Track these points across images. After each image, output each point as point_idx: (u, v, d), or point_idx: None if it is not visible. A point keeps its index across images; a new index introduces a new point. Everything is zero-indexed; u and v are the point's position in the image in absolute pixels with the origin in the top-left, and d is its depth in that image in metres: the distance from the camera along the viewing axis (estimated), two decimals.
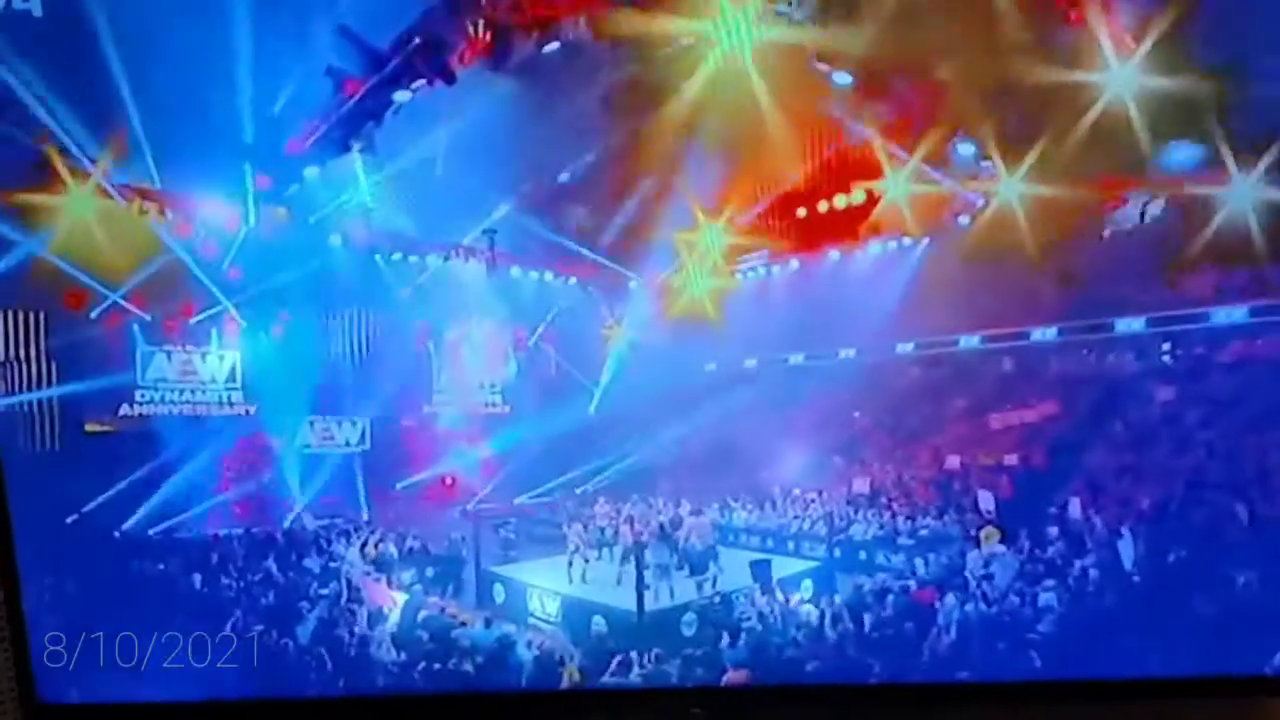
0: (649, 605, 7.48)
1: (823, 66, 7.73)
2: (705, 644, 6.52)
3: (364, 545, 9.21)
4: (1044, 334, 12.21)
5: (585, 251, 11.10)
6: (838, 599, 6.83)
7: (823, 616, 6.55)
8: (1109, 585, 7.13)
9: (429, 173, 9.19)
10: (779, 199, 10.04)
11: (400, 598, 7.49)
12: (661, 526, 8.51)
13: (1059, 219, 8.39)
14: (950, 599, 6.74)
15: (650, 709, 6.14)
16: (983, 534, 8.24)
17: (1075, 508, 8.93)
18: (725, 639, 6.40)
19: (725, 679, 6.04)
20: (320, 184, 9.23)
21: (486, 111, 8.57)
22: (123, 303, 9.14)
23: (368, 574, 8.25)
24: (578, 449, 11.72)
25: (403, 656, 6.66)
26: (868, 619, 6.66)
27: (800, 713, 5.98)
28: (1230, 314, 10.36)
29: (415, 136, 8.64)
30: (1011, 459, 11.28)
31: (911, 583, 7.34)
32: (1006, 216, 8.39)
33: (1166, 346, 10.99)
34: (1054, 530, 8.59)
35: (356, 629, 6.87)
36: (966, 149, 7.88)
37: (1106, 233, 8.78)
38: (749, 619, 6.86)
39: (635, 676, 6.12)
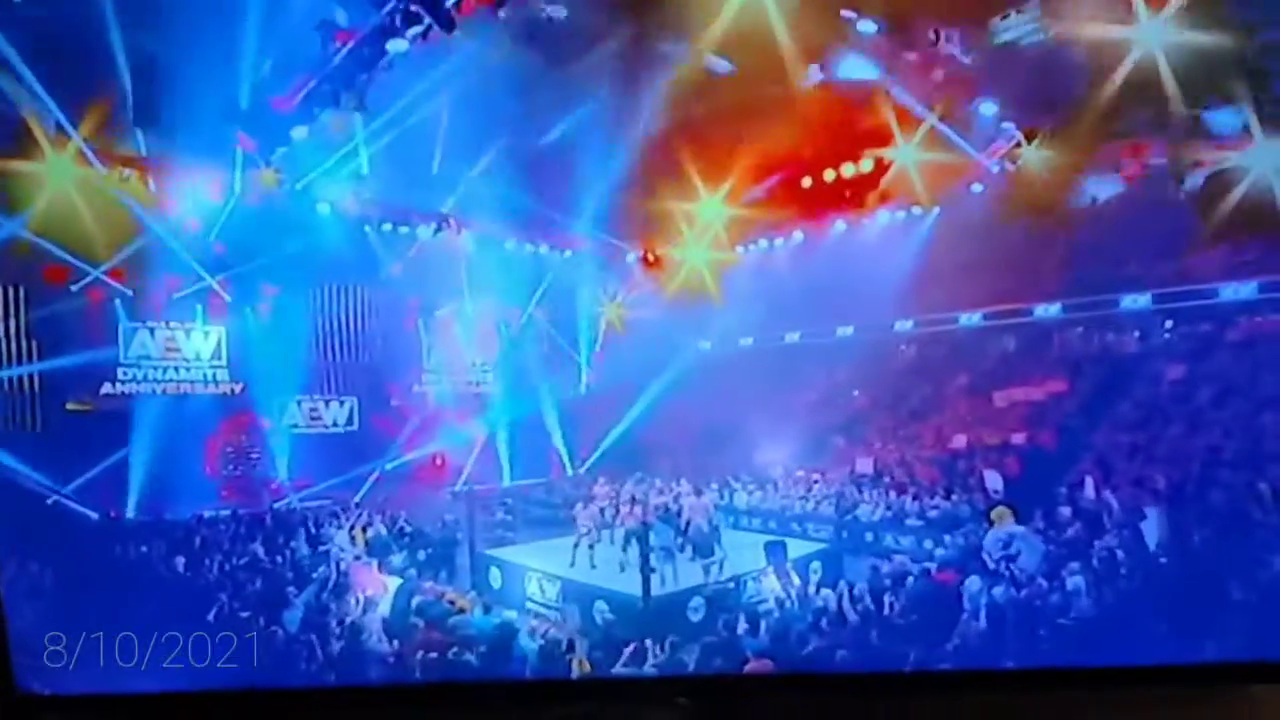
0: (653, 590, 7.18)
1: (849, 13, 7.38)
2: (720, 631, 6.20)
3: (352, 528, 8.93)
4: (1047, 310, 11.99)
5: (581, 223, 10.85)
6: (859, 586, 6.47)
7: (841, 601, 6.22)
8: (1136, 568, 6.80)
9: (421, 136, 8.86)
10: (785, 168, 9.71)
11: (393, 583, 7.15)
12: (665, 507, 8.17)
13: (1076, 186, 8.12)
14: (974, 582, 6.40)
15: (635, 698, 5.86)
16: (994, 514, 7.91)
17: (1089, 487, 8.89)
18: (744, 626, 6.06)
19: (748, 668, 5.73)
20: (309, 147, 8.80)
21: (483, 68, 8.15)
22: (104, 278, 8.94)
23: (358, 558, 7.93)
24: (570, 428, 11.70)
25: (396, 645, 6.34)
26: (889, 603, 6.32)
27: (822, 702, 5.68)
28: (1238, 290, 10.28)
29: (408, 94, 8.28)
30: (1019, 438, 11.20)
31: (931, 565, 6.97)
32: (1025, 183, 8.13)
33: (1170, 324, 10.88)
34: (1066, 510, 8.37)
35: (348, 617, 6.55)
36: (989, 108, 7.52)
37: (1123, 199, 8.42)
38: (764, 603, 6.56)
39: (650, 667, 5.80)
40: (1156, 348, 10.81)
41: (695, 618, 7.09)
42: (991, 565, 7.17)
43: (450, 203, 10.46)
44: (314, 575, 7.23)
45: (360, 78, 7.50)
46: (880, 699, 5.48)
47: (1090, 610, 6.10)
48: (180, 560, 7.68)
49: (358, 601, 6.81)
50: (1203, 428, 9.80)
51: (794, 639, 5.85)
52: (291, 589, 6.87)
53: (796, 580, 6.79)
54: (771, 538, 8.00)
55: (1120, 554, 7.07)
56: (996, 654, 6.00)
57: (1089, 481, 8.88)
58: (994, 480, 9.68)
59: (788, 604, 6.48)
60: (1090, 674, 5.51)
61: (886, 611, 6.19)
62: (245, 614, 6.50)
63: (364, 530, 8.90)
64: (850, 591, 6.34)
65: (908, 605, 6.15)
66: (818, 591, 6.49)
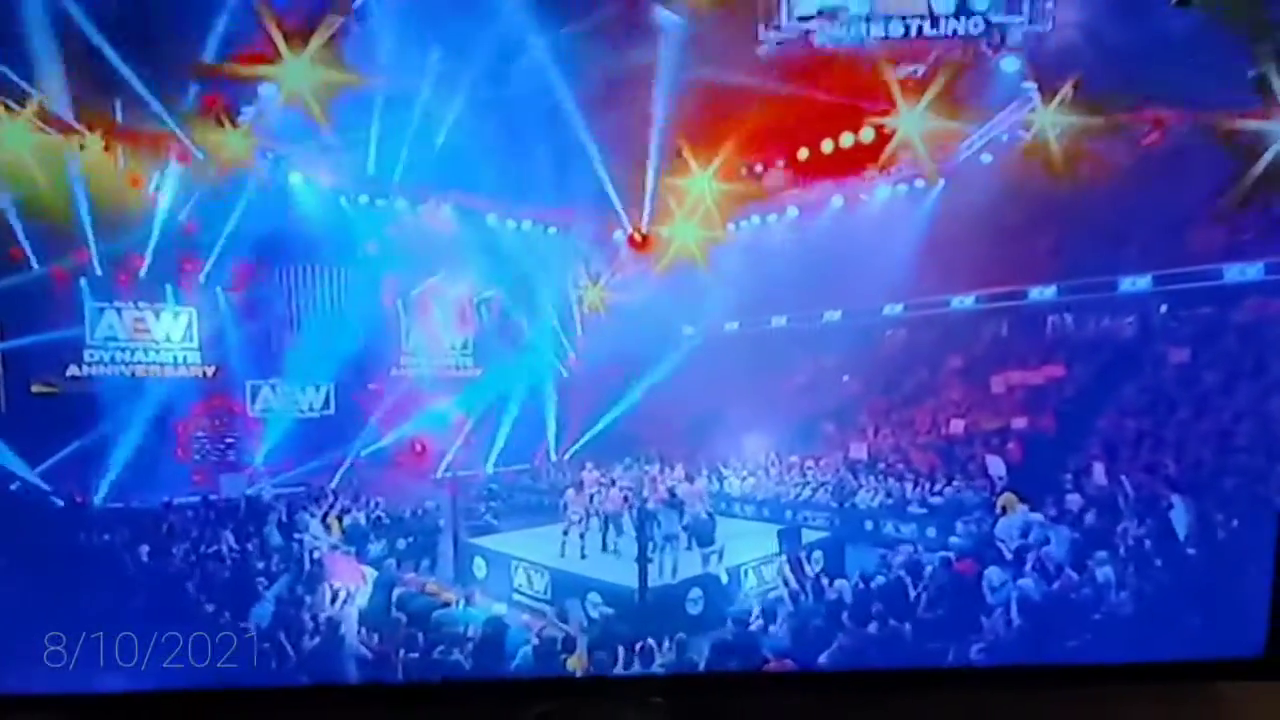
0: (650, 581, 6.79)
1: None
2: (730, 626, 5.83)
3: (327, 516, 8.52)
4: (1042, 293, 11.87)
5: (566, 199, 10.27)
6: (878, 580, 6.11)
7: (856, 592, 5.85)
8: (1166, 558, 6.53)
9: (399, 100, 8.40)
10: (780, 139, 9.26)
11: (371, 574, 6.75)
12: (671, 492, 7.77)
13: (1092, 156, 7.72)
14: (994, 573, 6.06)
15: (608, 697, 5.53)
16: (1001, 500, 7.65)
17: (1098, 473, 8.56)
18: (758, 620, 5.68)
19: (768, 667, 5.35)
20: (280, 108, 8.32)
21: (467, 30, 7.74)
22: (68, 256, 8.16)
23: (334, 547, 7.52)
24: (555, 413, 11.19)
25: (376, 640, 5.94)
26: (912, 595, 5.97)
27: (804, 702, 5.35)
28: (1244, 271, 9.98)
29: (385, 47, 7.80)
30: (1019, 423, 10.88)
31: (949, 554, 6.61)
32: (1039, 152, 7.72)
33: (1165, 308, 10.80)
34: (1076, 498, 7.88)
35: (323, 611, 6.14)
36: (1011, 65, 7.06)
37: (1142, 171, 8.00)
38: (776, 594, 6.17)
39: (657, 667, 5.42)
40: (1157, 331, 10.58)
41: (695, 610, 6.74)
42: (1009, 554, 6.92)
43: (430, 175, 9.97)
44: (286, 565, 6.85)
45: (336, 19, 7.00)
46: (877, 695, 5.20)
47: (1123, 603, 5.77)
48: (145, 549, 7.28)
49: (334, 594, 6.39)
50: (1210, 413, 9.68)
51: (811, 634, 5.48)
52: (261, 580, 6.47)
53: (809, 570, 6.40)
54: (780, 525, 7.70)
55: (1148, 544, 6.86)
56: (1026, 649, 5.64)
57: (1097, 467, 8.69)
58: (996, 466, 9.25)
59: (802, 597, 6.08)
60: (1122, 670, 5.23)
61: (906, 604, 5.84)
62: (213, 607, 6.11)
63: (340, 519, 8.49)
64: (866, 584, 6.01)
65: (927, 597, 5.82)
66: (831, 583, 6.11)
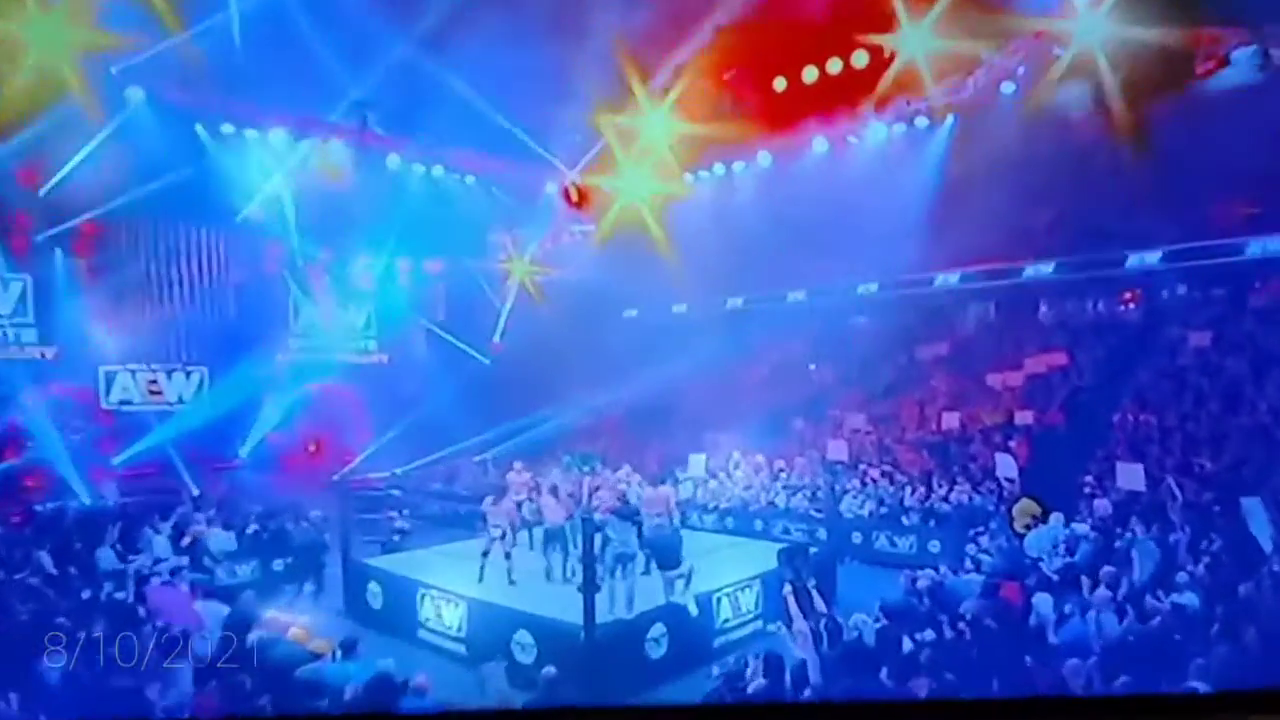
0: (599, 614, 5.03)
1: None
2: (715, 679, 4.13)
3: (182, 531, 6.73)
4: (1038, 269, 10.46)
5: (487, 140, 8.50)
6: (907, 612, 4.44)
7: (883, 634, 4.15)
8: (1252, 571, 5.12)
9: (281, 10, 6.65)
10: (752, 65, 7.59)
11: (218, 611, 4.90)
12: (623, 498, 5.94)
13: (1143, 85, 6.28)
14: (1044, 601, 4.53)
15: None
16: (1016, 509, 6.47)
17: (1127, 475, 7.05)
18: (757, 677, 3.93)
19: None
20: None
21: None
22: None
23: (176, 572, 5.71)
24: (476, 407, 9.56)
25: (216, 701, 4.13)
26: (958, 630, 4.31)
27: None
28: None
29: None
30: (1024, 417, 9.47)
31: (989, 579, 5.03)
32: (1079, 78, 6.23)
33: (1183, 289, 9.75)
34: (1104, 503, 6.83)
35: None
36: None
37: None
38: (780, 634, 4.42)
39: None
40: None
41: (657, 653, 5.06)
42: (1052, 574, 5.47)
43: (317, 104, 8.14)
44: (102, 598, 5.08)
45: None
46: None
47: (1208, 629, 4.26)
48: None
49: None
50: (1242, 403, 8.49)
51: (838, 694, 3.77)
52: (63, 620, 4.63)
53: (821, 604, 4.62)
54: (768, 539, 6.03)
55: (1225, 557, 5.52)
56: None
57: (1122, 468, 7.23)
58: (1007, 466, 8.05)
59: (820, 641, 4.28)
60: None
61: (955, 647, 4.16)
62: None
63: (190, 537, 6.69)
64: (890, 619, 4.35)
65: (974, 634, 4.16)
66: (848, 618, 4.37)
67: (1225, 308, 9.15)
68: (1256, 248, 8.66)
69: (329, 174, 8.73)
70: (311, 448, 9.39)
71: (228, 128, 8.25)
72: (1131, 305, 9.89)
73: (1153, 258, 9.17)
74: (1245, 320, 8.77)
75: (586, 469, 7.54)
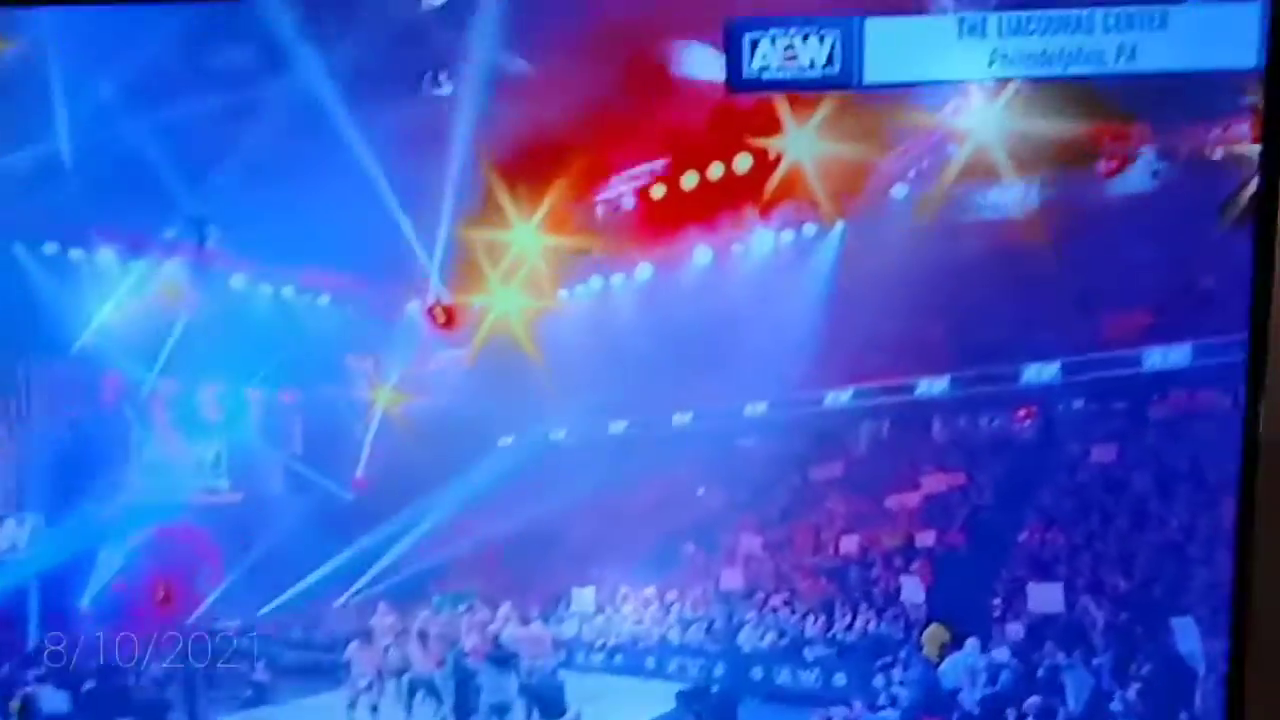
0: None
1: None
2: None
3: (10, 694, 6.04)
4: (932, 386, 10.41)
5: (341, 258, 7.92)
6: None
7: None
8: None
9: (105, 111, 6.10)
10: (626, 173, 7.24)
11: None
12: (496, 640, 5.39)
13: (1043, 186, 6.11)
14: None
15: None
16: (926, 635, 6.64)
17: (1037, 596, 6.84)
18: None
19: None
20: None
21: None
22: None
23: None
24: (337, 544, 8.94)
25: None
26: None
27: None
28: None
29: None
30: (925, 538, 9.25)
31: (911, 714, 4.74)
32: (975, 179, 6.04)
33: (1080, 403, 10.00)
34: (1017, 627, 6.68)
35: None
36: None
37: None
38: None
39: None
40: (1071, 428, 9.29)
41: None
42: (974, 705, 5.23)
43: (151, 219, 7.53)
44: None
45: None
46: None
47: None
48: None
49: None
50: (1148, 520, 8.42)
51: None
52: None
53: None
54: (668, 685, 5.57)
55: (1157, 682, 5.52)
56: None
57: (1035, 589, 6.98)
58: (913, 591, 7.66)
59: None
60: None
61: None
62: None
63: (23, 702, 6.03)
64: None
65: None
66: None
67: (1126, 421, 9.03)
68: (1157, 357, 8.58)
69: (167, 296, 8.04)
70: (160, 594, 8.62)
71: (51, 247, 7.57)
72: (1028, 421, 9.72)
73: (1050, 371, 9.06)
74: (1148, 434, 8.68)
75: (460, 609, 7.01)
